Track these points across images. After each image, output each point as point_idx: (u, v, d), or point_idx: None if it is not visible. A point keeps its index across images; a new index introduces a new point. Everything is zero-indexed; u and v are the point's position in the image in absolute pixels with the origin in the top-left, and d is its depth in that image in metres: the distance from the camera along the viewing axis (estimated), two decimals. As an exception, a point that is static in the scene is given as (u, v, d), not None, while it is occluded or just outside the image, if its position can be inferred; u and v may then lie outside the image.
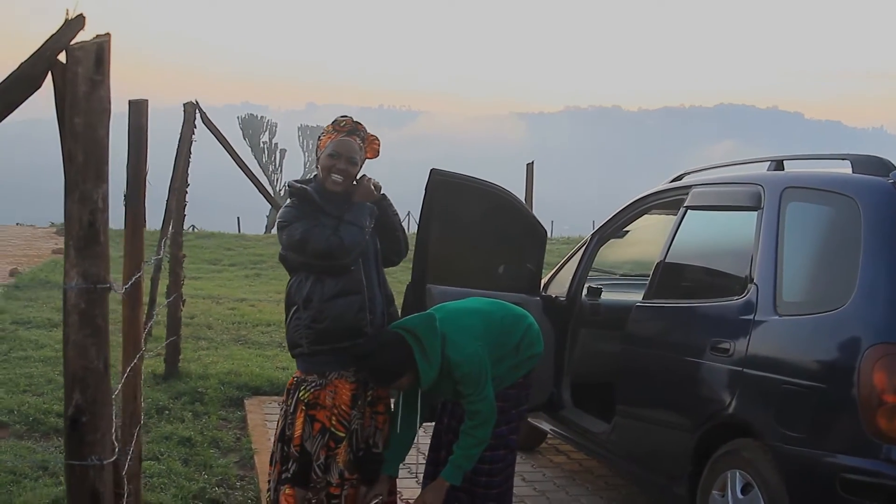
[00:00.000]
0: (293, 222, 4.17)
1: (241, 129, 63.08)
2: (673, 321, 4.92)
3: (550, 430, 6.12)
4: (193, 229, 25.58)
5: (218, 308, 12.68)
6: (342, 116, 4.30)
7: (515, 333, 4.47)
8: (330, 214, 4.20)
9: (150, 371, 8.09)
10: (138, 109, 4.56)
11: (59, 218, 23.03)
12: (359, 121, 4.34)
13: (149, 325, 7.16)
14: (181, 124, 7.66)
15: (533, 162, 10.26)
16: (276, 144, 60.92)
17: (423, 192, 5.26)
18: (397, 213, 4.46)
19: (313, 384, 4.23)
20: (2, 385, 7.40)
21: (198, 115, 7.66)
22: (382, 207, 4.36)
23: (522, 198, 10.02)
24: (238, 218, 37.19)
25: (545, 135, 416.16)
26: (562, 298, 6.05)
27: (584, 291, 6.23)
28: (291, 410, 4.26)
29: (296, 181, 4.33)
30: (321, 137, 4.32)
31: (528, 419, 6.40)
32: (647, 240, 6.27)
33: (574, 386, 6.06)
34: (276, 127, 63.86)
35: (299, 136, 65.46)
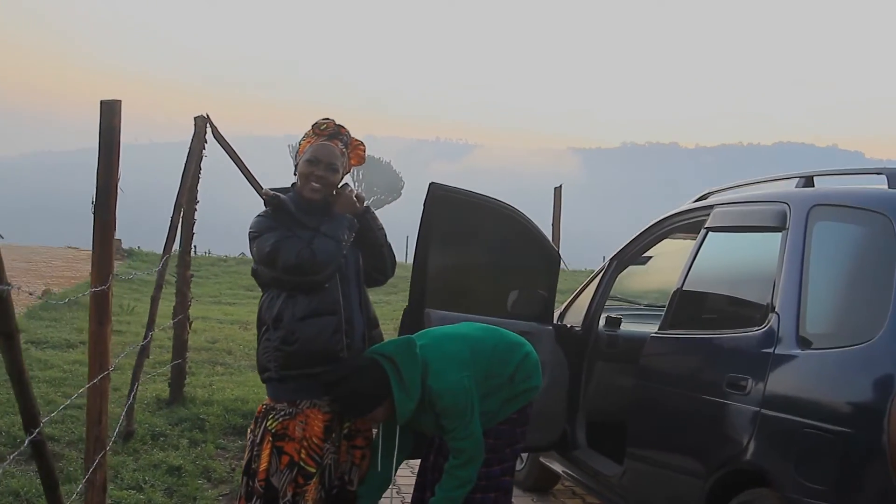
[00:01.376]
0: (264, 233, 3.80)
1: (291, 156, 63.35)
2: (687, 354, 4.45)
3: (563, 471, 5.65)
4: (208, 253, 25.48)
5: (244, 334, 12.40)
6: (324, 119, 3.93)
7: (510, 363, 4.04)
8: (306, 226, 3.82)
9: (155, 395, 7.78)
10: (110, 109, 4.23)
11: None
12: (342, 124, 3.96)
13: (142, 344, 6.81)
14: (195, 141, 7.36)
15: (561, 186, 9.83)
16: (328, 173, 61.08)
17: (422, 207, 4.89)
18: (382, 228, 4.07)
19: (282, 413, 3.84)
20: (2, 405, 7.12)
21: (209, 131, 7.36)
22: (365, 221, 3.98)
23: (549, 223, 9.60)
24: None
25: (601, 170, 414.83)
26: (577, 328, 5.60)
27: (602, 321, 5.78)
28: (258, 441, 3.87)
29: (271, 189, 3.97)
30: (301, 142, 3.96)
31: (540, 459, 5.94)
32: (674, 267, 5.81)
33: (589, 424, 5.60)
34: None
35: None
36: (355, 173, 62.44)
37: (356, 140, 4.00)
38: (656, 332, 4.66)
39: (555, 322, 5.57)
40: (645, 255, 5.69)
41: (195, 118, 7.36)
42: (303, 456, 3.79)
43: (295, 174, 3.93)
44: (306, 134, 3.95)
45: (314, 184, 3.84)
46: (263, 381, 3.92)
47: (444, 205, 4.89)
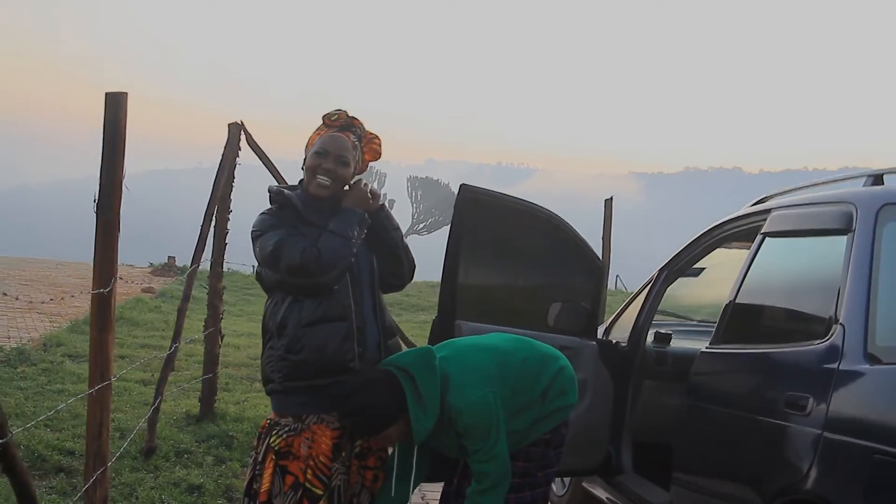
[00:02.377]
0: (267, 232, 3.47)
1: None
2: (741, 371, 4.02)
3: (606, 498, 5.22)
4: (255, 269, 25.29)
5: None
6: (336, 110, 3.60)
7: (541, 378, 3.64)
8: (313, 224, 3.48)
9: (185, 411, 7.51)
10: (115, 102, 3.96)
11: (161, 259, 23.20)
12: (355, 116, 3.62)
13: (168, 356, 6.54)
14: (228, 149, 7.09)
15: (612, 198, 9.41)
16: (384, 195, 61.29)
17: (453, 211, 4.53)
18: (398, 228, 3.72)
19: (286, 428, 3.49)
20: (23, 418, 6.89)
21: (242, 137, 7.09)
22: (379, 220, 3.63)
23: (600, 238, 9.18)
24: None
25: (663, 194, 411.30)
26: (623, 344, 5.18)
27: (650, 337, 5.36)
28: (260, 459, 3.52)
29: (278, 186, 3.64)
30: (311, 137, 3.63)
31: (583, 484, 5.52)
32: (729, 278, 5.36)
33: (635, 447, 5.17)
34: (384, 177, 64.27)
35: (408, 188, 65.60)
36: (413, 194, 62.55)
37: (371, 133, 3.66)
38: (707, 348, 4.24)
39: (599, 337, 5.17)
40: (696, 266, 5.26)
41: (229, 125, 7.09)
42: (309, 476, 3.43)
43: (303, 169, 3.60)
44: (318, 128, 3.62)
45: (321, 178, 3.51)
46: (268, 393, 3.58)
47: (477, 208, 4.54)
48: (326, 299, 3.42)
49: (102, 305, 4.02)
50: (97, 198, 3.98)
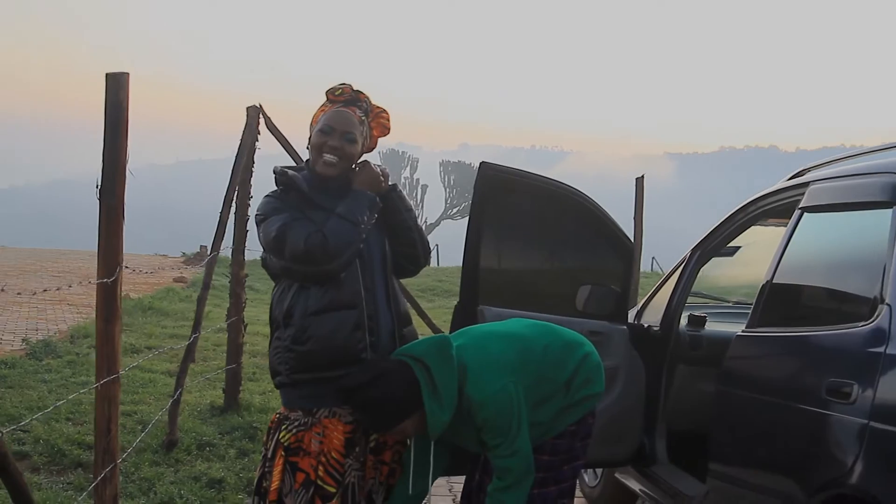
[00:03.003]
0: (271, 216, 3.28)
1: (384, 163, 63.51)
2: (779, 356, 3.78)
3: (640, 490, 5.00)
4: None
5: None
6: (340, 84, 3.39)
7: (565, 366, 3.43)
8: (320, 206, 3.29)
9: (210, 402, 7.37)
10: (116, 83, 3.79)
11: (194, 248, 23.22)
12: (361, 90, 3.41)
13: (188, 347, 6.39)
14: (247, 132, 6.92)
15: (643, 176, 9.14)
16: (417, 180, 61.09)
17: (472, 190, 4.33)
18: (411, 209, 3.51)
19: (296, 423, 3.31)
20: (43, 411, 6.79)
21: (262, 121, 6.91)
22: (391, 201, 3.43)
23: (631, 217, 8.93)
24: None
25: (698, 174, 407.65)
26: (655, 328, 4.95)
27: (684, 320, 5.12)
28: (270, 456, 3.35)
29: (283, 167, 3.45)
30: (315, 114, 3.43)
31: (616, 475, 5.30)
32: (766, 257, 5.11)
33: (669, 436, 4.94)
34: (417, 162, 64.12)
35: (441, 172, 65.42)
36: (446, 178, 62.25)
37: (378, 107, 3.45)
38: (743, 331, 4.01)
39: (630, 322, 4.94)
40: (731, 244, 5.01)
41: (248, 108, 6.93)
42: (320, 473, 3.25)
43: (308, 148, 3.40)
44: (322, 105, 3.42)
45: (327, 156, 3.30)
46: (276, 386, 3.40)
47: (498, 187, 4.33)
48: (334, 286, 3.23)
49: (108, 295, 3.86)
50: (99, 183, 3.82)
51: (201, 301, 6.42)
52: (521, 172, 4.43)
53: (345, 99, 3.36)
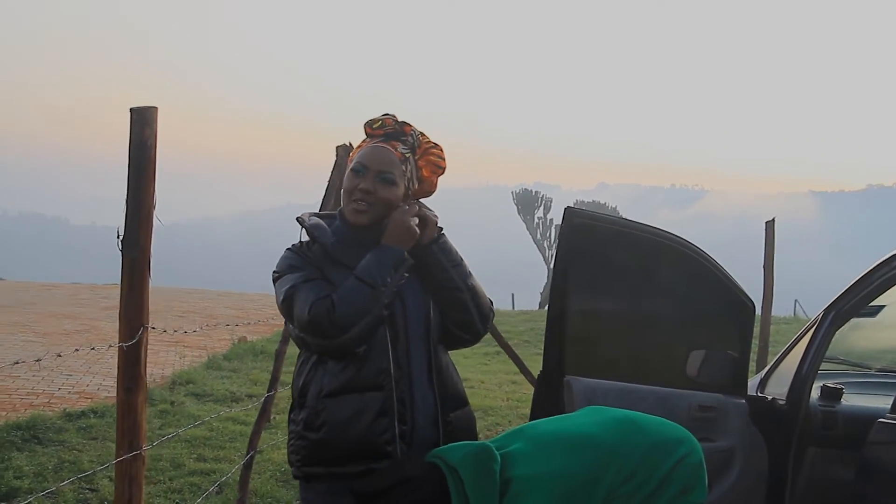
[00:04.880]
0: (285, 274, 2.73)
1: (516, 204, 63.05)
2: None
3: None
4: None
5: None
6: (382, 115, 2.82)
7: (651, 478, 2.70)
8: (343, 264, 2.72)
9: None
10: (141, 119, 3.33)
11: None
12: (407, 121, 2.83)
13: (264, 404, 5.91)
14: (335, 173, 6.45)
15: (774, 219, 8.28)
16: (551, 220, 60.39)
17: (557, 241, 3.70)
18: (461, 263, 2.85)
19: None
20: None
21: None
22: (431, 255, 2.81)
23: (761, 262, 8.10)
24: (512, 294, 36.42)
25: (843, 213, 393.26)
26: (781, 401, 4.19)
27: (816, 392, 4.34)
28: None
29: (314, 214, 2.89)
30: (353, 152, 2.87)
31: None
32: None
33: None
34: (550, 202, 63.46)
35: (575, 213, 64.35)
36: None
37: (429, 141, 2.86)
38: (889, 417, 3.24)
39: (750, 393, 4.21)
40: (874, 303, 4.22)
41: (337, 147, 6.44)
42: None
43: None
44: (361, 141, 2.86)
45: (358, 202, 2.73)
46: (294, 478, 2.83)
47: (587, 237, 3.71)
48: (356, 361, 2.65)
49: (130, 361, 3.40)
50: (121, 233, 3.36)
51: (279, 356, 5.93)
52: (615, 220, 3.82)
53: (384, 132, 2.78)
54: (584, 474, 2.59)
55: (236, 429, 7.98)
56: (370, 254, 2.67)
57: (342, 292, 2.59)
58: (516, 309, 26.88)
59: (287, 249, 2.79)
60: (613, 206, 67.42)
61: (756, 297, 8.13)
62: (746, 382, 4.16)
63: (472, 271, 2.87)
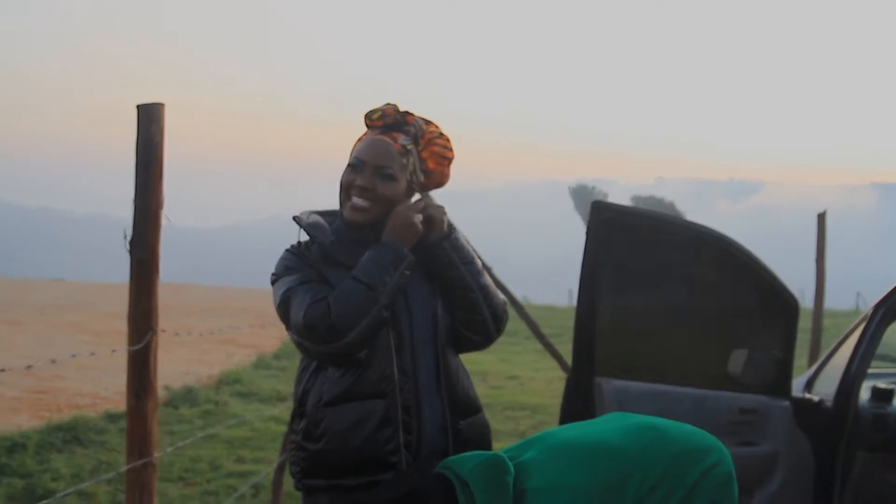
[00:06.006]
0: (282, 276, 2.59)
1: (573, 199, 62.78)
2: None
3: None
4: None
5: (480, 387, 11.30)
6: (383, 105, 2.65)
7: (675, 492, 2.49)
8: (342, 264, 2.57)
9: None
10: (148, 116, 3.23)
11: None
12: (409, 111, 2.66)
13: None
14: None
15: (825, 211, 7.98)
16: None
17: (584, 237, 3.53)
18: (472, 261, 2.66)
19: None
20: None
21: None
22: (441, 252, 2.62)
23: (813, 255, 7.82)
24: (569, 290, 36.21)
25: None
26: (828, 403, 3.97)
27: (866, 393, 4.11)
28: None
29: (314, 212, 2.73)
30: (353, 146, 2.70)
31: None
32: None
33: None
34: (606, 197, 63.09)
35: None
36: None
37: (433, 131, 2.68)
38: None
39: (795, 394, 3.99)
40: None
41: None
42: None
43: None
44: (364, 133, 2.69)
45: (356, 199, 2.57)
46: (296, 489, 2.69)
47: (617, 231, 3.53)
48: (357, 367, 2.50)
49: (139, 366, 3.29)
50: (129, 234, 3.26)
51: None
52: (647, 213, 3.65)
53: (384, 123, 2.62)
54: (604, 486, 2.40)
55: (279, 429, 7.89)
56: (368, 252, 2.51)
57: (338, 294, 2.44)
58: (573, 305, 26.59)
59: (285, 250, 2.63)
60: (670, 200, 66.81)
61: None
62: (790, 383, 3.95)
63: (484, 270, 2.70)
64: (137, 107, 3.21)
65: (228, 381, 10.23)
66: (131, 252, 3.23)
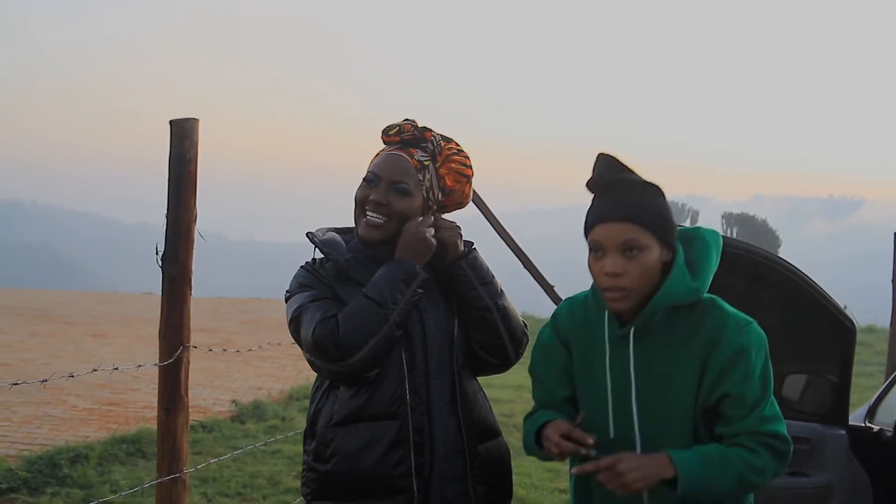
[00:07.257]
0: (295, 293, 2.55)
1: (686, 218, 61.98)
2: None
3: None
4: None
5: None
6: (403, 120, 2.60)
7: None
8: (357, 282, 2.51)
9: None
10: (180, 132, 3.24)
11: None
12: (428, 126, 2.59)
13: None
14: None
15: (901, 231, 7.63)
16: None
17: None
18: (491, 281, 2.58)
19: None
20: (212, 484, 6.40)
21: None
22: (457, 271, 2.54)
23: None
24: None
25: None
26: (889, 432, 3.78)
27: (931, 423, 3.91)
28: None
29: (330, 229, 2.69)
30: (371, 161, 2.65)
31: None
32: None
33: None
34: (697, 215, 62.20)
35: (723, 225, 63.18)
36: (728, 231, 59.41)
37: (452, 147, 2.60)
38: None
39: (854, 423, 3.81)
40: None
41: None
42: None
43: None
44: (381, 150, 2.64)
45: (370, 214, 2.52)
46: None
47: None
48: (367, 387, 2.44)
49: (170, 380, 3.29)
50: (161, 249, 3.26)
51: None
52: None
53: (402, 139, 2.56)
54: None
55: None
56: (380, 269, 2.46)
57: (347, 311, 2.39)
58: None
59: (300, 267, 2.60)
60: (763, 218, 65.50)
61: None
62: (847, 410, 3.77)
63: (503, 291, 2.61)
64: (170, 122, 3.23)
65: (298, 397, 10.26)
66: (163, 268, 3.24)
